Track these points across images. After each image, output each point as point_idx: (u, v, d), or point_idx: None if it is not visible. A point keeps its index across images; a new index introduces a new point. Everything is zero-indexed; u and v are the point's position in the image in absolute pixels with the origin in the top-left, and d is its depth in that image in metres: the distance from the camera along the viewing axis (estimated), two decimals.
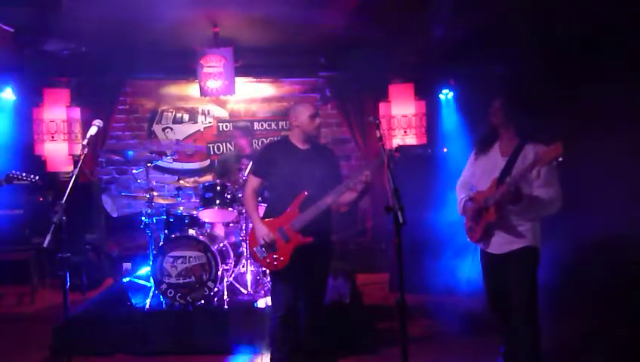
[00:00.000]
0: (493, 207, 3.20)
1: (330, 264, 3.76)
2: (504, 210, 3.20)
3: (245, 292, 5.03)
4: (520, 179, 3.09)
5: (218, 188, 5.09)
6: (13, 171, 4.40)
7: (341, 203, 3.62)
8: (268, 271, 4.94)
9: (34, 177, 4.43)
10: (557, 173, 3.18)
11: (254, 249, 3.58)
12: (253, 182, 3.68)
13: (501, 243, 3.30)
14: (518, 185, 3.07)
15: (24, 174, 4.40)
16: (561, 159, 2.83)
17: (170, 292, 4.68)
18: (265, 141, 7.24)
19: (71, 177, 3.06)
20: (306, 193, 3.48)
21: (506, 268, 3.29)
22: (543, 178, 3.16)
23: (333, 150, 3.89)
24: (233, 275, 5.13)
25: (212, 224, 5.46)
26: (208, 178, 7.03)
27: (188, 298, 4.67)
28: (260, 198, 4.15)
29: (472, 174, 3.54)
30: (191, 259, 4.73)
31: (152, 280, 4.80)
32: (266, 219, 3.59)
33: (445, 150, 6.76)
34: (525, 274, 3.25)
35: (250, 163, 5.26)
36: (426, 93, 7.01)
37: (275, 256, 3.52)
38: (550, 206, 3.17)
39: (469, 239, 3.51)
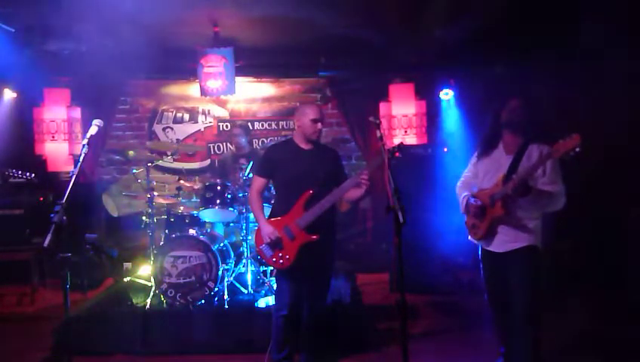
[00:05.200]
0: (500, 201, 3.20)
1: (334, 263, 3.78)
2: (511, 205, 3.20)
3: (246, 292, 5.03)
4: (529, 173, 3.10)
5: (218, 187, 5.09)
6: (9, 169, 4.39)
7: (346, 199, 3.65)
8: (272, 270, 4.97)
9: (29, 175, 4.43)
10: (561, 171, 3.19)
11: (260, 247, 3.61)
12: (258, 182, 3.71)
13: (504, 241, 3.30)
14: (525, 179, 3.08)
15: (20, 172, 4.40)
16: (578, 150, 2.82)
17: (171, 292, 4.69)
18: (265, 141, 7.24)
19: (71, 177, 3.05)
20: (311, 191, 3.49)
21: (507, 266, 3.29)
22: (548, 175, 3.17)
23: (335, 150, 3.91)
24: (234, 275, 5.13)
25: (212, 224, 5.46)
26: (208, 178, 7.05)
27: (188, 297, 4.68)
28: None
29: (474, 175, 3.54)
30: (191, 258, 4.73)
31: (152, 279, 4.80)
32: (272, 219, 3.61)
33: (445, 150, 6.77)
34: (527, 274, 3.25)
35: (251, 163, 5.28)
36: (426, 93, 7.01)
37: (280, 255, 3.54)
38: (556, 200, 3.17)
39: (471, 237, 3.51)
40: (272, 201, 4.00)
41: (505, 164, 3.29)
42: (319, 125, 3.61)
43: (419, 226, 5.57)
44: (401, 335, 2.81)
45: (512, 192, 3.09)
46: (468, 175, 3.60)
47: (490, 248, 3.37)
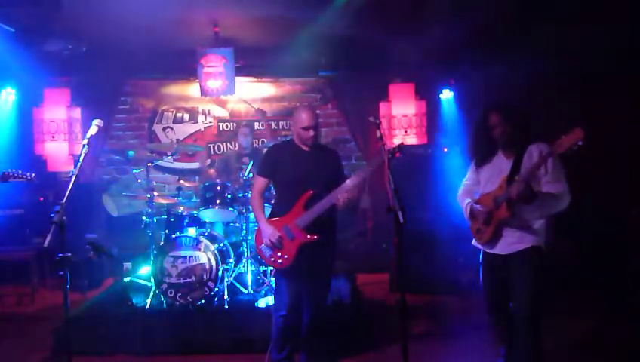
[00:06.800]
0: (505, 203, 3.20)
1: (334, 263, 3.78)
2: (516, 207, 3.20)
3: (246, 292, 5.02)
4: (531, 172, 3.09)
5: (218, 187, 5.09)
6: (9, 169, 4.38)
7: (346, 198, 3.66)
8: (271, 270, 4.97)
9: (29, 175, 4.42)
10: (563, 169, 3.19)
11: (260, 247, 3.62)
12: (259, 182, 3.71)
13: (508, 244, 3.28)
14: (529, 182, 3.07)
15: (20, 172, 4.39)
16: (580, 143, 2.81)
17: (171, 292, 4.68)
18: (265, 141, 7.25)
19: (71, 177, 3.05)
20: (311, 192, 3.50)
21: (510, 268, 3.29)
22: (550, 174, 3.16)
23: (336, 151, 3.92)
24: (233, 275, 5.13)
25: (212, 224, 5.45)
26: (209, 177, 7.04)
27: (188, 298, 4.67)
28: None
29: (474, 182, 3.52)
30: (191, 258, 4.73)
31: (152, 279, 4.80)
32: (272, 219, 3.61)
33: (445, 150, 6.77)
34: (531, 274, 3.23)
35: (251, 163, 5.28)
36: (426, 93, 7.01)
37: (280, 254, 3.55)
38: (560, 201, 3.17)
39: (476, 241, 3.48)
40: (273, 201, 4.00)
41: (506, 168, 3.27)
42: (311, 132, 3.59)
43: (419, 226, 5.57)
44: (401, 335, 2.81)
45: (517, 198, 3.09)
46: (468, 183, 3.59)
47: (495, 251, 3.35)
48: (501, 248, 3.33)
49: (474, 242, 3.49)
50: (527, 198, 3.08)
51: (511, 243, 3.28)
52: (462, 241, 3.78)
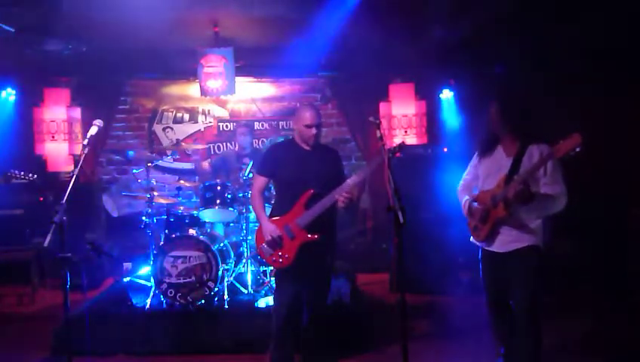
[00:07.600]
0: (502, 202, 3.20)
1: (334, 263, 3.78)
2: (513, 207, 3.20)
3: (246, 292, 5.03)
4: (531, 174, 3.10)
5: (218, 187, 5.09)
6: (11, 170, 4.40)
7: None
8: (271, 270, 4.97)
9: (32, 176, 4.43)
10: (562, 171, 3.19)
11: (261, 246, 3.61)
12: (259, 181, 3.72)
13: (506, 241, 3.29)
14: (527, 183, 3.08)
15: (22, 173, 4.40)
16: (578, 149, 2.83)
17: (171, 292, 4.68)
18: (265, 141, 7.25)
19: (71, 177, 3.05)
20: (312, 191, 3.50)
21: (508, 267, 3.29)
22: (549, 175, 3.17)
23: (336, 150, 3.92)
24: (234, 275, 5.13)
25: (212, 224, 5.46)
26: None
27: (188, 298, 4.67)
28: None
29: (474, 177, 3.53)
30: (191, 258, 4.73)
31: (152, 279, 4.80)
32: (273, 218, 3.61)
33: (445, 150, 6.77)
34: (530, 274, 3.24)
35: (251, 163, 5.29)
36: (426, 93, 7.01)
37: (280, 254, 3.55)
38: (557, 203, 3.18)
39: (473, 238, 3.50)
40: (273, 201, 4.00)
41: (505, 165, 3.28)
42: (314, 130, 3.59)
43: (419, 226, 5.55)
44: (401, 335, 2.81)
45: (514, 198, 3.09)
46: (468, 178, 3.60)
47: (492, 248, 3.36)
48: (498, 246, 3.33)
49: (472, 239, 3.51)
50: (525, 199, 3.08)
51: (508, 241, 3.29)
52: (462, 241, 3.78)
